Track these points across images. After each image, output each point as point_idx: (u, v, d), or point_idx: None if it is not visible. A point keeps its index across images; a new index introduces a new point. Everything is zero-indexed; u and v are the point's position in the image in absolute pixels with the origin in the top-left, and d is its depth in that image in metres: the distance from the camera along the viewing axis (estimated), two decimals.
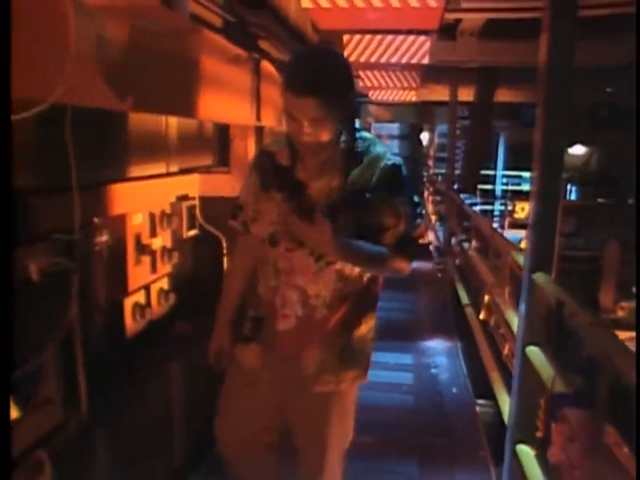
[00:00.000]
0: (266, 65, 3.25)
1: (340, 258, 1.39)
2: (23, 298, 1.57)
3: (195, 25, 2.36)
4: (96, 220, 1.90)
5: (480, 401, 3.55)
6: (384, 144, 1.60)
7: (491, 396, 3.32)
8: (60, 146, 1.62)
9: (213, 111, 2.46)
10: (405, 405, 3.49)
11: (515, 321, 2.14)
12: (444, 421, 3.31)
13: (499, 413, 2.85)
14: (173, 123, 2.74)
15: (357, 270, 1.45)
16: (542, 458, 1.91)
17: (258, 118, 3.03)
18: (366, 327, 1.53)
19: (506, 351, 2.89)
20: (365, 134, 1.53)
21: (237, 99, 2.89)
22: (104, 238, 1.97)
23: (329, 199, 1.41)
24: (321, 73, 1.29)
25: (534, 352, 1.89)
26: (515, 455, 2.07)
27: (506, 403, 2.37)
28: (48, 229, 1.70)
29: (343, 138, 1.42)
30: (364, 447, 2.90)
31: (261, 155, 1.59)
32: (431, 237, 8.62)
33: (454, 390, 3.70)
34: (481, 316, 3.52)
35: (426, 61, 4.46)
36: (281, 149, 1.50)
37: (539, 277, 1.85)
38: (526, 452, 1.99)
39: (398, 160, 1.49)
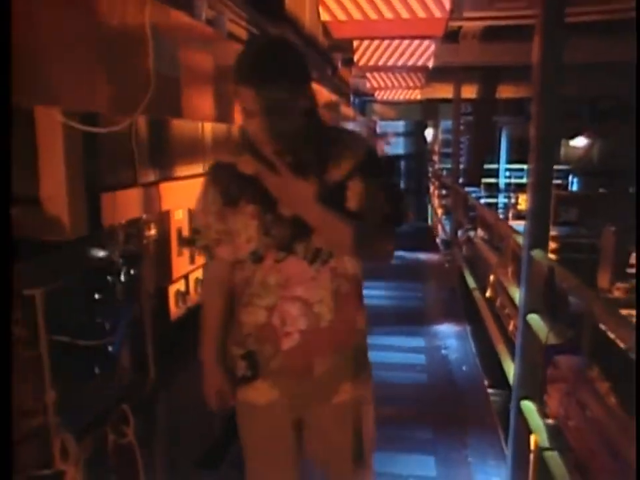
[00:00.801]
0: None
1: (323, 222, 1.28)
2: (107, 279, 1.90)
3: (229, 40, 2.70)
4: (145, 215, 2.20)
5: (490, 390, 3.84)
6: (351, 129, 1.54)
7: (499, 384, 3.61)
8: (125, 150, 1.97)
9: None
10: (419, 382, 3.80)
11: (517, 295, 2.44)
12: (455, 395, 3.61)
13: (507, 401, 3.13)
14: (207, 128, 3.06)
15: (348, 266, 1.36)
16: (542, 409, 2.22)
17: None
18: (364, 322, 1.45)
19: (511, 327, 3.19)
20: (332, 124, 1.45)
21: None
22: (153, 231, 2.29)
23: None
24: (272, 59, 1.21)
25: (533, 319, 2.19)
26: (519, 411, 2.37)
27: (511, 369, 2.68)
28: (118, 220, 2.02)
29: (310, 131, 1.30)
30: (383, 418, 3.21)
31: (217, 169, 1.41)
32: (438, 229, 8.92)
33: (464, 368, 4.01)
34: (487, 294, 3.83)
35: (431, 63, 4.76)
36: (239, 157, 1.34)
37: (536, 253, 2.16)
38: (529, 407, 2.29)
39: (368, 142, 1.43)
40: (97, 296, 1.75)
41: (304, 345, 1.33)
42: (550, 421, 2.13)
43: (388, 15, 3.10)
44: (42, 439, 1.47)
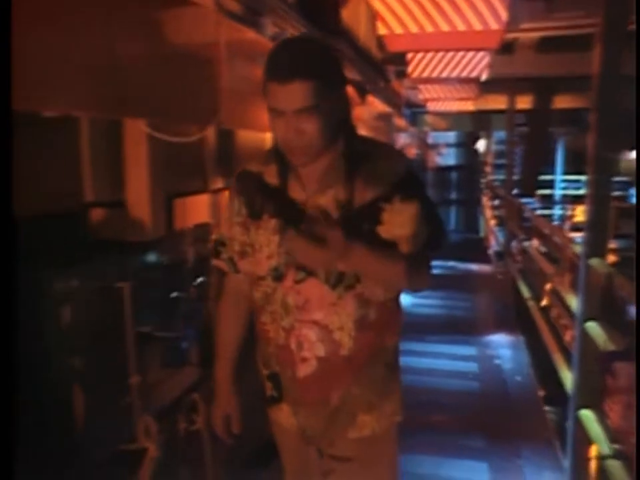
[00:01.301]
0: None
1: (358, 265, 1.17)
2: (181, 278, 2.05)
3: None
4: (213, 220, 2.35)
5: (546, 408, 3.78)
6: (390, 144, 1.38)
7: (554, 398, 3.56)
8: (196, 159, 2.13)
9: None
10: (471, 390, 3.79)
11: (574, 303, 2.44)
12: (508, 404, 3.58)
13: (562, 418, 3.07)
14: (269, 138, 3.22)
15: (378, 292, 1.23)
16: (602, 418, 2.20)
17: None
18: (393, 352, 1.33)
19: (567, 337, 3.16)
20: (367, 136, 1.36)
21: None
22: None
23: (338, 218, 1.18)
24: (304, 56, 1.11)
25: (591, 326, 2.19)
26: (578, 420, 2.35)
27: (568, 378, 2.66)
28: (188, 224, 2.18)
29: (343, 142, 1.20)
30: (435, 424, 3.26)
31: (242, 177, 1.31)
32: (490, 241, 8.80)
33: (518, 378, 3.97)
34: (543, 302, 3.79)
35: (485, 74, 4.78)
36: (266, 166, 1.26)
37: (594, 261, 2.16)
38: (588, 415, 2.27)
39: (407, 158, 1.34)
40: (173, 294, 1.91)
41: (320, 373, 1.23)
42: (610, 429, 2.12)
43: (444, 27, 3.17)
44: (128, 419, 1.62)
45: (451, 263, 7.71)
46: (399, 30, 3.16)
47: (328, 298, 1.20)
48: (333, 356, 1.22)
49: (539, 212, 8.32)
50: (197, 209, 2.27)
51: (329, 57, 1.16)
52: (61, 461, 1.56)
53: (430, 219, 1.23)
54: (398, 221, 1.18)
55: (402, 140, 8.17)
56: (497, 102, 8.43)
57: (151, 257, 1.88)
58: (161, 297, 1.89)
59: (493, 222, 8.88)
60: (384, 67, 5.97)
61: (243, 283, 1.36)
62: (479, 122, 11.21)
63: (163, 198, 1.87)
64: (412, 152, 9.44)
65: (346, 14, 4.13)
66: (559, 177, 12.20)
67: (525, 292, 4.71)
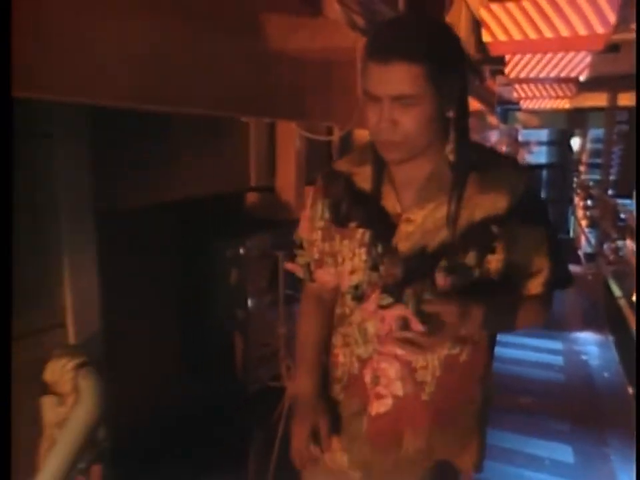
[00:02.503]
0: None
1: (480, 328, 0.99)
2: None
3: None
4: None
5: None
6: (511, 156, 1.16)
7: None
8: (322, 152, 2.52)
9: None
10: (556, 381, 3.93)
11: None
12: (595, 396, 3.69)
13: None
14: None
15: (477, 326, 1.00)
16: None
17: None
18: (483, 397, 1.14)
19: None
20: (482, 143, 1.19)
21: None
22: None
23: (434, 237, 1.01)
24: (412, 33, 0.93)
25: None
26: None
27: None
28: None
29: (451, 145, 1.01)
30: (523, 405, 3.46)
31: (330, 177, 1.14)
32: (580, 241, 8.64)
33: (605, 374, 4.06)
34: (633, 297, 3.85)
35: (585, 74, 4.81)
36: (359, 166, 1.10)
37: None
38: None
39: (534, 180, 1.08)
40: None
41: (396, 414, 1.07)
42: None
43: (548, 34, 3.35)
44: (274, 362, 2.03)
45: None
46: (502, 37, 3.37)
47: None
48: (411, 398, 1.06)
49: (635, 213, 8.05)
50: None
51: (445, 38, 0.96)
52: (224, 394, 2.00)
53: (554, 249, 1.04)
54: (516, 250, 0.99)
55: (493, 137, 8.21)
56: (596, 99, 8.21)
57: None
58: None
59: (584, 222, 8.70)
60: (481, 66, 6.11)
61: (323, 292, 1.20)
62: (574, 120, 10.88)
63: (304, 184, 2.27)
64: (502, 149, 9.42)
65: (449, 19, 4.36)
66: None
67: (617, 291, 4.74)
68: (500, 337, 1.16)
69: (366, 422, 1.11)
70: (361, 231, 1.06)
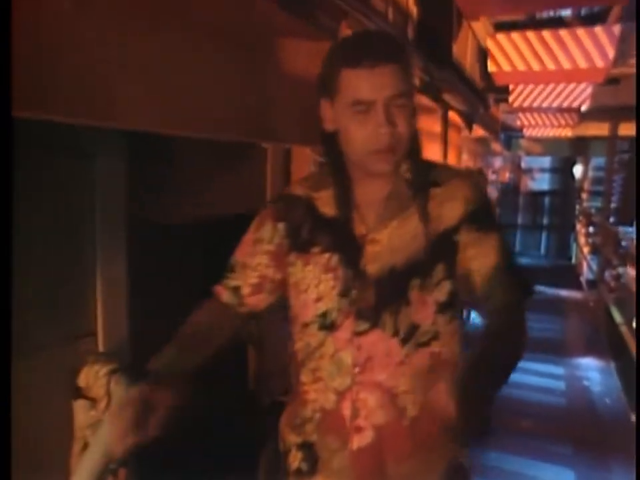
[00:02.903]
0: (451, 114, 4.08)
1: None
2: None
3: None
4: None
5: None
6: (464, 169, 1.16)
7: None
8: None
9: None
10: (558, 405, 3.98)
11: None
12: (597, 422, 3.72)
13: None
14: None
15: (456, 348, 1.04)
16: None
17: (445, 156, 3.86)
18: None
19: None
20: (433, 160, 1.17)
21: (429, 141, 3.77)
22: None
23: (402, 254, 1.00)
24: (385, 41, 1.00)
25: None
26: None
27: None
28: None
29: (406, 164, 1.03)
30: (523, 428, 3.50)
31: (285, 201, 1.11)
32: (582, 267, 8.71)
33: (607, 400, 4.09)
34: (634, 324, 3.91)
35: (586, 105, 4.97)
36: (318, 191, 1.07)
37: None
38: None
39: (485, 188, 1.11)
40: None
41: (379, 445, 1.02)
42: None
43: (550, 65, 3.49)
44: (285, 376, 2.10)
45: (540, 288, 7.76)
46: (507, 67, 3.52)
47: (396, 355, 0.99)
48: (394, 424, 1.01)
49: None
50: None
51: (403, 48, 1.02)
52: (238, 406, 2.06)
53: (508, 255, 1.02)
54: (477, 253, 0.99)
55: (497, 163, 8.36)
56: (597, 129, 8.37)
57: None
58: None
59: (586, 249, 8.78)
60: (485, 94, 6.28)
61: (232, 318, 1.11)
62: (577, 147, 11.05)
63: None
64: (505, 175, 9.56)
65: (456, 48, 4.52)
66: None
67: (618, 318, 4.81)
68: None
69: (348, 457, 1.02)
70: (326, 255, 1.02)
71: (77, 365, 1.26)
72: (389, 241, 1.00)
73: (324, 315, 1.01)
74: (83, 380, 1.23)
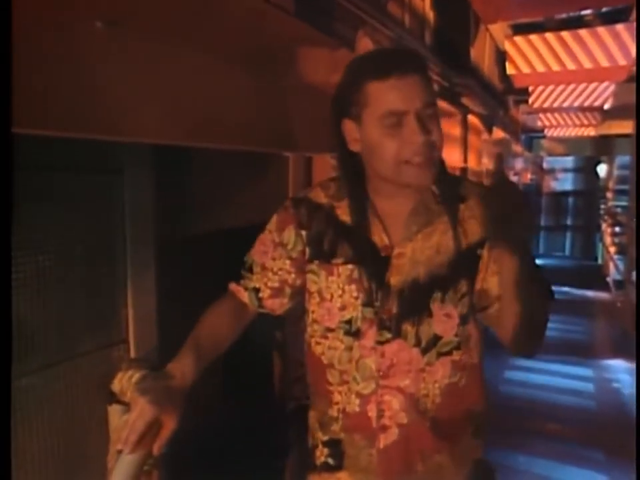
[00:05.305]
0: (471, 118, 4.08)
1: None
2: None
3: None
4: None
5: None
6: (487, 184, 1.14)
7: None
8: None
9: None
10: (587, 408, 3.91)
11: None
12: (628, 425, 3.65)
13: None
14: None
15: (475, 353, 1.07)
16: None
17: (465, 160, 3.86)
18: (482, 414, 1.12)
19: None
20: (458, 175, 1.17)
21: (449, 145, 3.77)
22: None
23: (425, 268, 1.02)
24: (407, 52, 1.04)
25: None
26: None
27: None
28: None
29: (439, 176, 1.02)
30: (552, 431, 3.46)
31: (305, 207, 1.09)
32: (609, 268, 8.55)
33: None
34: None
35: (609, 103, 4.90)
36: (339, 200, 1.07)
37: None
38: None
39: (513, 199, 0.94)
40: None
41: (403, 442, 1.06)
42: None
43: (571, 66, 3.47)
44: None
45: (565, 289, 7.66)
46: (526, 70, 3.50)
47: (417, 363, 1.03)
48: (416, 424, 1.05)
49: None
50: None
51: (424, 59, 1.05)
52: (263, 411, 2.09)
53: (535, 268, 1.01)
54: (500, 268, 0.98)
55: (518, 165, 8.28)
56: (622, 127, 8.23)
57: None
58: None
59: (612, 249, 8.62)
60: (505, 96, 6.24)
61: (245, 313, 1.13)
62: (601, 146, 10.87)
63: None
64: (527, 177, 9.45)
65: (474, 51, 4.52)
66: None
67: None
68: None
69: (376, 455, 1.06)
70: (349, 267, 1.03)
71: (111, 371, 1.31)
72: (413, 253, 1.02)
73: (349, 322, 1.03)
74: (116, 385, 1.27)
